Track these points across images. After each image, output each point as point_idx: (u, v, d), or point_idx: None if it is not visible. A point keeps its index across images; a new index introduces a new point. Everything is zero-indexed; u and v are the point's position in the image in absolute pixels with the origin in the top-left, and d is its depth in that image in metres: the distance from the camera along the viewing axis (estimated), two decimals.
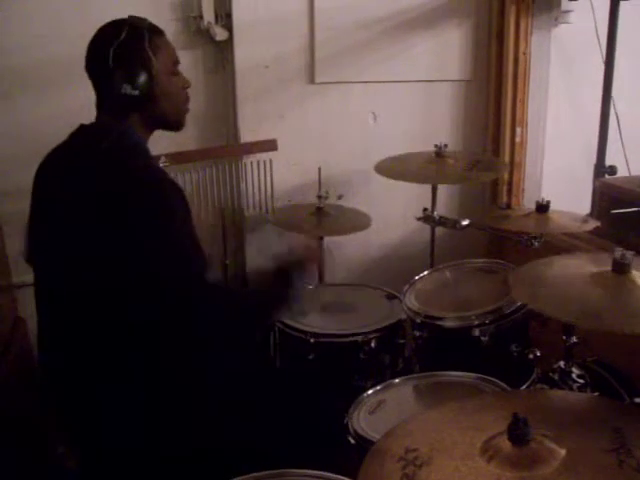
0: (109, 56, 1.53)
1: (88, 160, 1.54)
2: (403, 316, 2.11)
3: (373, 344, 2.02)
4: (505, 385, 1.68)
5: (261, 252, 2.89)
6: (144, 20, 1.61)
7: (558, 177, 3.10)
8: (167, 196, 1.51)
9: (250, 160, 2.80)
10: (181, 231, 1.52)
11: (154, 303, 1.44)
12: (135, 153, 1.58)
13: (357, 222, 2.65)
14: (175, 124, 1.70)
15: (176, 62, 1.67)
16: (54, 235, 1.55)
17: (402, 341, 2.13)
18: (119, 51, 1.53)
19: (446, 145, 2.52)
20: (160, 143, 2.51)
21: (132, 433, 1.52)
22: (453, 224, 2.32)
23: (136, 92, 1.55)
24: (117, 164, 1.51)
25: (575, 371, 1.82)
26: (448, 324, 1.98)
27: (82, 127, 1.61)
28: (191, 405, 1.57)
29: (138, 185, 1.48)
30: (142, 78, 1.55)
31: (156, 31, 1.62)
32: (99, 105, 1.63)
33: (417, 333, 2.03)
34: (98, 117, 1.63)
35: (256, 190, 2.84)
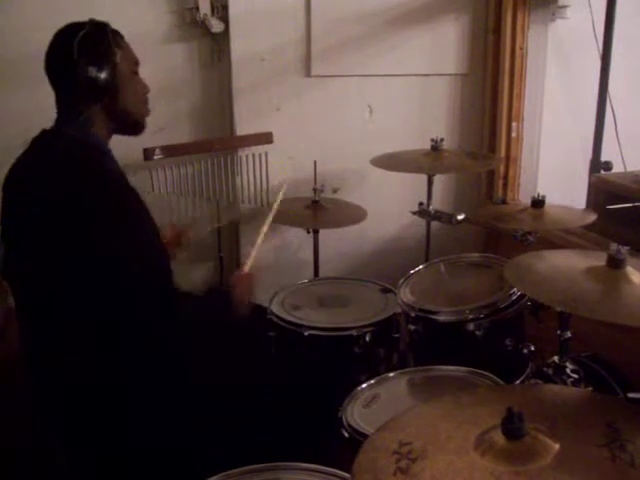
0: (73, 49, 1.52)
1: (46, 166, 1.52)
2: (398, 310, 2.11)
3: (368, 338, 2.02)
4: (499, 379, 1.68)
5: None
6: (102, 22, 1.60)
7: (554, 172, 3.10)
8: (122, 198, 1.52)
9: (246, 153, 2.80)
10: (139, 232, 1.53)
11: (122, 304, 1.45)
12: (90, 154, 1.56)
13: (352, 215, 2.65)
14: (135, 124, 1.68)
15: (137, 63, 1.67)
16: (21, 243, 1.54)
17: (397, 335, 2.13)
18: (83, 43, 1.53)
19: (442, 139, 2.52)
20: (155, 136, 2.53)
21: (114, 433, 1.53)
22: (448, 218, 2.32)
23: (101, 75, 1.53)
24: (72, 168, 1.50)
25: (569, 366, 1.83)
26: (443, 318, 1.97)
27: (43, 132, 1.60)
28: (181, 400, 1.57)
29: (94, 188, 1.47)
30: (106, 65, 1.54)
31: (117, 32, 1.62)
32: (59, 102, 1.61)
33: (412, 327, 2.02)
34: (58, 116, 1.61)
35: (251, 183, 2.83)
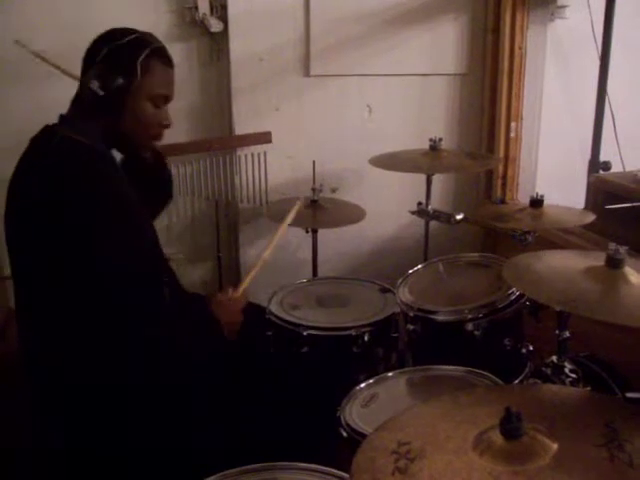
0: (101, 52, 1.52)
1: (43, 165, 1.52)
2: (397, 310, 2.11)
3: (366, 337, 2.02)
4: (498, 379, 1.68)
5: (255, 245, 2.89)
6: (158, 41, 1.59)
7: (553, 172, 3.10)
8: (122, 199, 1.52)
9: (244, 152, 2.80)
10: (138, 233, 1.55)
11: (121, 304, 1.46)
12: (89, 156, 1.53)
13: (351, 215, 2.65)
14: (132, 150, 1.66)
15: (165, 97, 1.62)
16: (21, 243, 1.55)
17: (395, 335, 2.13)
18: (112, 52, 1.52)
19: (441, 139, 2.53)
20: None
21: (114, 433, 1.53)
22: (447, 218, 2.32)
23: (101, 92, 1.51)
24: (72, 167, 1.49)
25: (568, 366, 1.83)
26: (441, 318, 1.97)
27: (45, 127, 1.59)
28: (181, 400, 1.57)
29: (94, 189, 1.47)
30: (115, 84, 1.51)
31: (161, 57, 1.58)
32: (73, 99, 1.61)
33: (410, 327, 2.02)
34: (65, 114, 1.60)
35: (250, 183, 2.84)
